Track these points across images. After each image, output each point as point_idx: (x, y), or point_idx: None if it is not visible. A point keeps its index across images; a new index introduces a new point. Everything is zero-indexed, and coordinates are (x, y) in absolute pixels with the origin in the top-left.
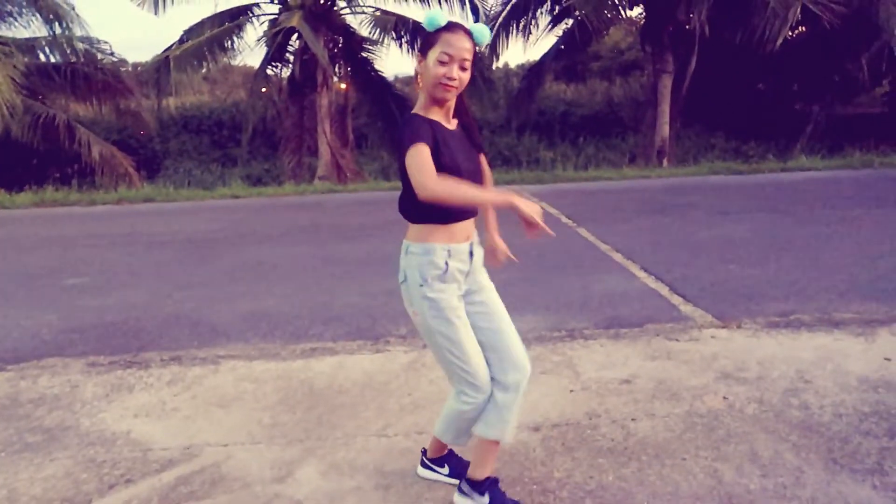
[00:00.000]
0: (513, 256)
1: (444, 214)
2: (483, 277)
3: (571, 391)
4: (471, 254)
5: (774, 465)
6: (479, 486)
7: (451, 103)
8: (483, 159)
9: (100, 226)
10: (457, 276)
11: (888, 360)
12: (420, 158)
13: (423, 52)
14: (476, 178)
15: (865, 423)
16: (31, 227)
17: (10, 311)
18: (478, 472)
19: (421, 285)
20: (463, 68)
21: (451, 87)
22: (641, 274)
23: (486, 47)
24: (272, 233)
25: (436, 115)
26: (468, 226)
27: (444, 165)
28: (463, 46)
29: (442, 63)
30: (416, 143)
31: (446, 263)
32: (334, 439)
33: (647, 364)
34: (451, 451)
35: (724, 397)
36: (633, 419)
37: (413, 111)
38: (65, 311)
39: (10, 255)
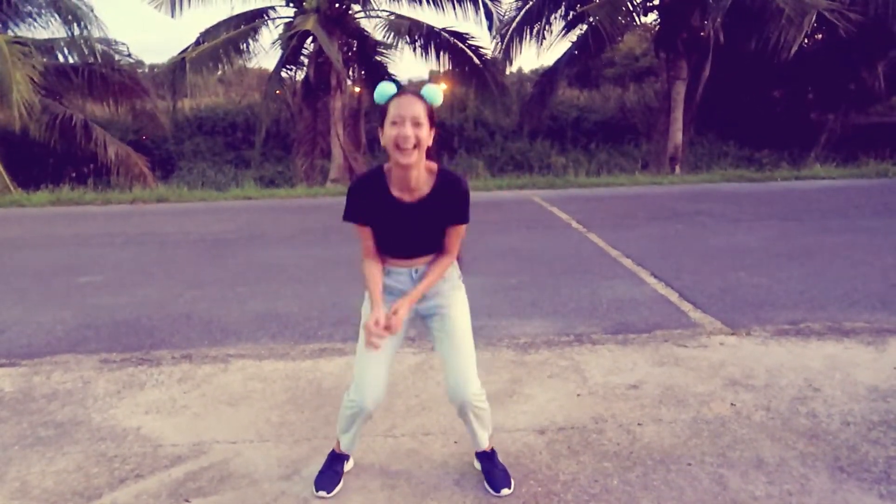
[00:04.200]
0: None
1: (379, 250)
2: (449, 307)
3: (578, 395)
4: (411, 277)
5: (780, 473)
6: (477, 455)
7: (415, 175)
8: (454, 231)
9: (114, 225)
10: (392, 290)
11: None
12: (358, 234)
13: (381, 124)
14: (418, 245)
15: (874, 432)
16: (47, 226)
17: (25, 308)
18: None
19: None
20: (416, 124)
21: (406, 147)
22: (651, 280)
23: (502, 54)
24: (284, 234)
25: (394, 183)
26: (405, 261)
27: (373, 228)
28: (411, 106)
29: (394, 124)
30: (349, 221)
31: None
32: None
33: (654, 370)
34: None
35: (732, 404)
36: (639, 424)
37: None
38: (78, 308)
39: (26, 253)
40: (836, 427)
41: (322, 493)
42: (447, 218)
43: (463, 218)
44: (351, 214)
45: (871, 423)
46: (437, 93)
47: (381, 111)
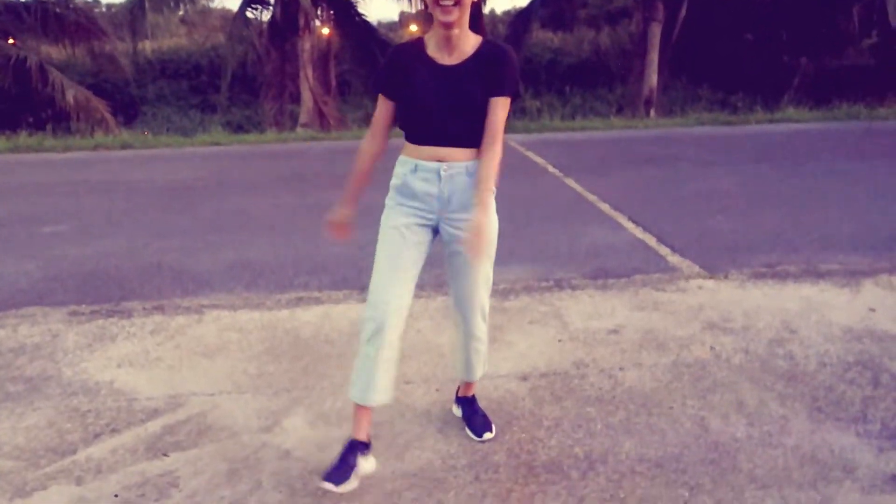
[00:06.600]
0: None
1: (410, 135)
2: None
3: (559, 341)
4: (439, 177)
5: (760, 414)
6: (458, 400)
7: (457, 34)
8: (496, 103)
9: (76, 173)
10: (417, 194)
11: (872, 310)
12: (376, 110)
13: None
14: (455, 117)
15: (850, 373)
16: (5, 174)
17: None
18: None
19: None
20: None
21: (446, 3)
22: (629, 224)
23: None
24: (255, 181)
25: (432, 44)
26: (437, 150)
27: (406, 99)
28: None
29: None
30: (378, 92)
31: (405, 176)
32: (321, 389)
33: (634, 314)
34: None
35: (711, 347)
36: (620, 369)
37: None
38: (43, 259)
39: None
40: (814, 368)
41: (329, 486)
42: (489, 85)
43: (507, 87)
44: (384, 81)
45: (847, 364)
46: None
47: None
